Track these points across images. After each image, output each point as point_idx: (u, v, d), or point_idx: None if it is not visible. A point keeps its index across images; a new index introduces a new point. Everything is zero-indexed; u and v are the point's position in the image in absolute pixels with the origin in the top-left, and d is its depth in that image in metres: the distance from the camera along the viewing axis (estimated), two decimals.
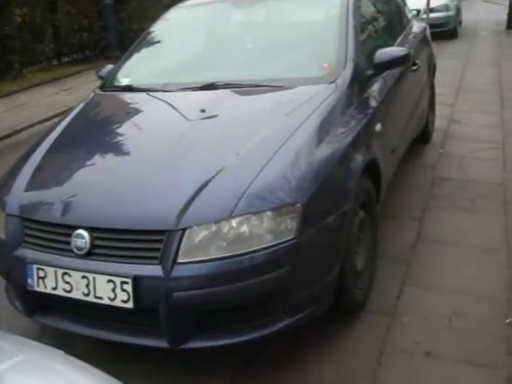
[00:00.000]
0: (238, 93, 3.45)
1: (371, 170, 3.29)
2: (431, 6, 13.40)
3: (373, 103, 3.50)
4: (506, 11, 16.71)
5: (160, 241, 2.53)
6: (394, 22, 5.06)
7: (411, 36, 5.38)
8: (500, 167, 5.54)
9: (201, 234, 2.51)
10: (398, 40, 4.74)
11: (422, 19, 13.03)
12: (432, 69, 6.08)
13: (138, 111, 3.62)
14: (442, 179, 5.28)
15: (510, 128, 6.72)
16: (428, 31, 6.31)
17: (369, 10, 4.50)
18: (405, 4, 6.10)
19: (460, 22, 16.32)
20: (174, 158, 2.90)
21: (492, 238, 4.19)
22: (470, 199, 4.83)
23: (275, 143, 2.82)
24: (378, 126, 3.44)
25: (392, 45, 4.43)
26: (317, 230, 2.67)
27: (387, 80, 3.88)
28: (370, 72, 3.59)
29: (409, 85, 4.63)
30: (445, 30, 13.98)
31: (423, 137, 5.98)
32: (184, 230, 2.51)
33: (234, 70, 3.73)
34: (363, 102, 3.41)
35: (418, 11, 13.62)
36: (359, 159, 3.07)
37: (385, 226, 4.19)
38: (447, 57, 11.56)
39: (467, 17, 18.22)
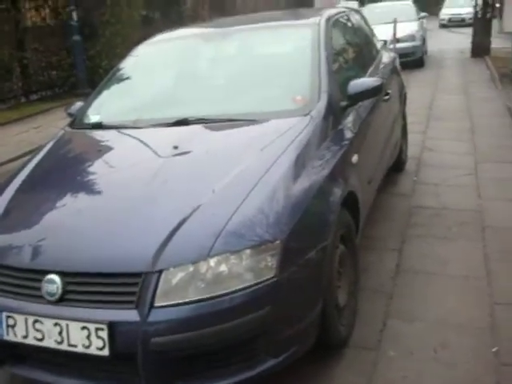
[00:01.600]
0: (211, 128, 3.39)
1: (350, 202, 3.24)
2: (398, 36, 13.61)
3: (348, 135, 3.46)
4: (469, 40, 17.07)
5: (135, 284, 2.43)
6: (364, 53, 5.08)
7: (382, 66, 5.40)
8: (474, 193, 5.54)
9: (178, 275, 2.42)
10: (370, 70, 4.75)
11: (390, 49, 13.29)
12: (403, 98, 6.12)
13: (108, 149, 3.54)
14: (419, 207, 5.25)
15: (481, 154, 6.77)
16: (397, 61, 6.36)
17: (340, 41, 4.50)
18: (373, 34, 6.15)
19: (426, 52, 16.59)
20: (147, 197, 2.81)
21: (472, 266, 4.15)
22: (447, 227, 4.81)
23: (251, 179, 2.75)
24: (355, 158, 3.40)
25: (363, 75, 4.42)
26: (297, 266, 2.59)
27: (361, 111, 3.86)
28: (344, 103, 3.56)
29: (382, 115, 4.63)
30: (412, 60, 14.19)
31: (397, 166, 5.98)
32: (160, 271, 2.41)
33: (207, 105, 3.67)
34: (338, 133, 3.38)
35: (385, 41, 13.83)
36: (337, 192, 3.02)
37: (365, 257, 4.14)
38: (416, 85, 11.71)
39: (432, 46, 18.54)
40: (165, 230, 2.52)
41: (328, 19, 4.21)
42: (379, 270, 4.11)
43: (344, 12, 5.03)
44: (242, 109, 3.48)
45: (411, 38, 14.36)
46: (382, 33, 13.92)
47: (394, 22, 12.96)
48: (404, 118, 6.32)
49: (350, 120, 3.59)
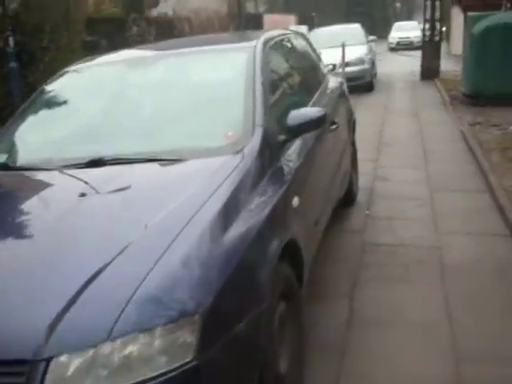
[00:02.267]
0: (130, 170, 2.89)
1: (291, 252, 2.78)
2: (346, 60, 13.39)
3: (288, 173, 3.01)
4: (418, 62, 17.05)
5: (20, 374, 1.91)
6: (309, 78, 4.68)
7: (328, 92, 5.01)
8: (431, 227, 5.17)
9: (73, 362, 1.91)
10: (315, 97, 4.33)
11: (338, 73, 13.03)
12: (352, 125, 5.74)
13: (6, 197, 3.00)
14: (372, 245, 4.84)
15: (436, 183, 6.44)
16: (345, 86, 5.99)
17: (280, 66, 4.09)
18: (320, 59, 5.78)
19: (375, 75, 16.46)
20: (42, 258, 2.28)
21: (431, 311, 3.75)
22: (403, 266, 4.40)
23: (169, 233, 2.27)
24: (296, 200, 2.95)
25: (308, 103, 4.01)
26: (225, 342, 2.10)
27: (303, 144, 3.42)
28: (282, 137, 3.12)
29: (328, 146, 4.21)
30: (361, 83, 13.98)
31: (348, 198, 5.57)
32: (49, 359, 1.90)
33: (127, 141, 3.17)
34: (276, 172, 2.92)
35: (334, 65, 13.61)
36: (275, 243, 2.56)
37: (312, 308, 3.68)
38: (365, 110, 11.46)
39: (382, 69, 18.46)
40: (56, 305, 2.00)
41: (266, 42, 3.78)
42: (329, 323, 3.65)
43: (286, 34, 4.63)
44: (166, 146, 2.99)
45: (360, 61, 14.17)
46: (330, 57, 13.72)
47: (343, 45, 12.73)
48: (354, 146, 5.95)
49: (290, 156, 3.15)
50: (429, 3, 16.31)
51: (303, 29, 35.94)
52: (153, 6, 42.76)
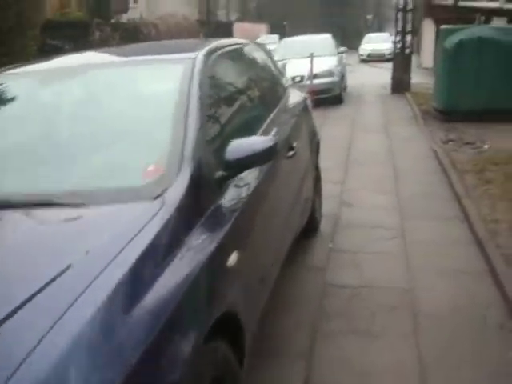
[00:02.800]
0: (18, 216, 2.22)
1: (226, 327, 2.15)
2: (315, 71, 12.85)
3: (226, 221, 2.37)
4: (389, 75, 16.61)
5: None
6: (265, 96, 4.05)
7: (289, 109, 4.42)
8: (403, 263, 4.58)
9: None
10: (270, 118, 3.70)
11: (306, 85, 12.46)
12: (315, 147, 5.14)
13: None
14: (335, 286, 4.23)
15: (408, 209, 5.88)
16: (309, 102, 5.40)
17: (228, 81, 3.46)
18: (281, 72, 5.18)
19: (345, 87, 15.95)
20: None
21: (402, 376, 3.15)
22: (370, 315, 3.80)
23: (55, 308, 1.62)
24: (234, 257, 2.30)
25: (260, 127, 3.38)
26: None
27: (252, 178, 2.79)
28: (221, 174, 2.48)
29: (285, 176, 3.60)
30: (330, 96, 13.45)
31: (310, 227, 4.96)
32: None
33: (18, 179, 2.47)
34: (209, 222, 2.27)
35: (302, 77, 13.08)
36: (202, 320, 1.93)
37: (259, 372, 3.05)
38: (333, 124, 10.93)
39: (352, 81, 17.99)
40: None
41: (210, 53, 3.15)
42: None
43: (239, 45, 4.00)
44: (67, 186, 2.31)
45: (329, 73, 13.62)
46: (298, 68, 13.19)
47: (311, 56, 12.17)
48: (317, 169, 5.35)
49: (230, 198, 2.51)
50: (400, 15, 15.88)
51: (274, 38, 35.59)
52: (123, 11, 42.08)
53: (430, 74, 22.21)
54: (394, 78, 16.00)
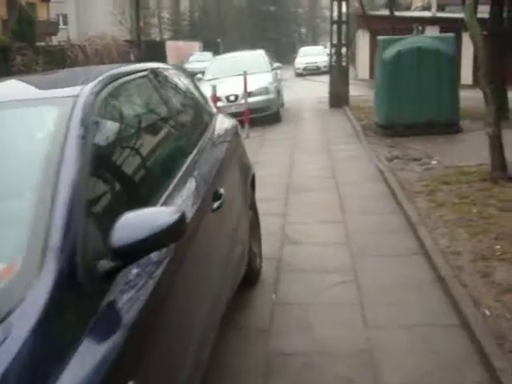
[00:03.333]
0: None
1: None
2: (249, 89, 12.18)
3: (115, 339, 1.60)
4: (326, 88, 16.16)
5: None
6: (182, 132, 3.27)
7: (215, 144, 3.69)
8: (358, 318, 3.90)
9: None
10: (188, 162, 2.96)
11: (241, 105, 11.80)
12: (249, 183, 4.41)
13: None
14: (281, 355, 3.50)
15: (358, 244, 5.22)
16: (239, 129, 4.69)
17: (127, 120, 2.68)
18: (205, 99, 4.46)
19: (282, 104, 15.38)
20: None
21: None
22: None
23: None
24: None
25: (175, 176, 2.64)
26: None
27: (158, 254, 2.03)
28: (107, 265, 1.71)
29: (209, 236, 2.85)
30: (267, 115, 12.82)
31: (248, 278, 4.23)
32: None
33: None
34: (90, 342, 1.50)
35: (236, 96, 12.43)
36: None
37: None
38: (271, 145, 10.30)
39: (289, 97, 17.47)
40: None
41: (102, 86, 2.38)
42: None
43: (145, 71, 3.18)
44: None
45: (265, 90, 12.96)
46: (232, 86, 12.53)
47: (244, 74, 11.51)
48: (254, 209, 4.63)
49: (124, 296, 1.75)
50: (335, 27, 15.46)
51: (207, 55, 34.99)
52: (52, 33, 40.77)
53: (366, 86, 21.99)
54: (331, 92, 15.54)
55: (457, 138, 10.22)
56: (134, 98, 2.87)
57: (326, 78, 26.44)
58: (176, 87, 3.71)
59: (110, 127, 2.37)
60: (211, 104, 4.57)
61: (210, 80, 13.83)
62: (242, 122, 11.61)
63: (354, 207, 6.33)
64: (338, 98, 15.15)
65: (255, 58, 14.75)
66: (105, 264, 1.71)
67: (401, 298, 4.14)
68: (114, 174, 2.23)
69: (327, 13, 73.27)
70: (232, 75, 12.83)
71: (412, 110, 10.27)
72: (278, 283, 4.51)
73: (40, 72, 17.94)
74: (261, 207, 5.02)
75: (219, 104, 12.38)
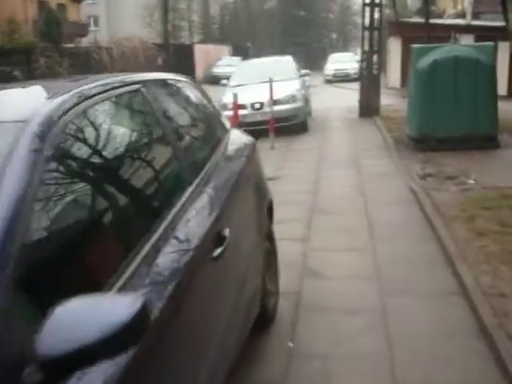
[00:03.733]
0: None
1: None
2: (275, 97, 11.63)
3: None
4: (356, 96, 15.54)
5: None
6: (181, 158, 2.70)
7: (221, 172, 3.12)
8: (387, 376, 3.31)
9: None
10: (183, 199, 2.42)
11: (267, 113, 11.25)
12: (266, 211, 3.85)
13: None
14: None
15: (389, 279, 4.63)
16: (255, 150, 4.13)
17: (105, 150, 2.12)
18: (217, 114, 3.91)
19: (310, 113, 14.80)
20: None
21: None
22: None
23: None
24: None
25: (164, 217, 2.11)
26: None
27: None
28: (34, 379, 1.17)
29: (207, 292, 2.30)
30: (293, 124, 12.26)
31: (262, 321, 3.67)
32: None
33: None
34: None
35: (261, 104, 11.89)
36: None
37: None
38: (296, 159, 9.73)
39: (317, 105, 16.90)
40: None
41: (70, 107, 1.84)
42: None
43: (137, 83, 2.59)
44: None
45: (292, 99, 12.39)
46: (257, 94, 12.01)
47: (270, 81, 10.95)
48: (271, 239, 4.06)
49: None
50: (367, 34, 14.85)
51: (236, 60, 34.52)
52: (82, 35, 40.74)
53: (397, 95, 21.31)
54: (361, 101, 14.91)
55: (495, 153, 9.55)
56: (115, 118, 2.30)
57: (356, 86, 25.87)
58: (178, 101, 3.17)
59: (79, 160, 1.82)
60: (226, 117, 4.01)
61: (235, 86, 13.32)
62: (267, 132, 11.08)
63: (384, 233, 5.73)
64: (369, 108, 14.53)
65: (283, 64, 14.20)
66: (31, 376, 1.17)
67: (437, 351, 3.54)
68: (80, 226, 1.69)
69: (358, 19, 72.53)
70: (258, 82, 12.34)
71: (447, 122, 9.63)
72: (296, 325, 3.94)
73: (61, 75, 17.62)
74: (280, 230, 4.48)
75: (243, 112, 11.87)
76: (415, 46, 10.21)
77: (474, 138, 9.60)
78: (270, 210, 4.03)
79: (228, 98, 12.66)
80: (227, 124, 3.91)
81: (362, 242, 5.49)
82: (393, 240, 5.52)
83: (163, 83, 3.02)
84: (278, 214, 4.37)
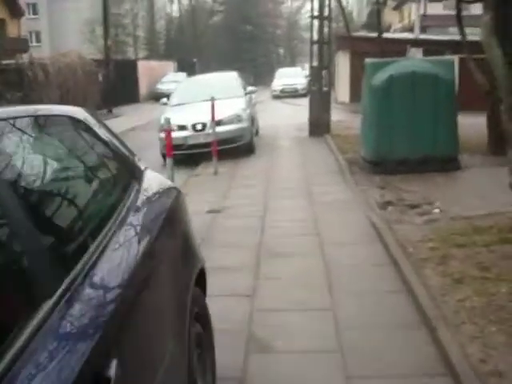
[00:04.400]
0: None
1: None
2: (219, 117, 10.70)
3: None
4: (305, 112, 14.73)
5: None
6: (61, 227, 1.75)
7: (122, 245, 2.13)
8: None
9: None
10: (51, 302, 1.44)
11: (209, 135, 10.32)
12: (195, 280, 2.83)
13: None
14: None
15: (355, 350, 3.69)
16: (182, 200, 3.14)
17: None
18: (127, 149, 2.91)
19: (257, 132, 13.91)
20: None
21: None
22: None
23: None
24: None
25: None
26: None
27: None
28: None
29: None
30: (238, 146, 11.34)
31: None
32: None
33: None
34: None
35: (204, 125, 10.94)
36: None
37: None
38: (242, 185, 8.80)
39: (264, 122, 16.02)
40: None
41: None
42: None
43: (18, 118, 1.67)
44: None
45: (236, 118, 11.45)
46: (199, 113, 11.03)
47: (212, 100, 9.96)
48: (204, 320, 3.04)
49: None
50: (315, 48, 14.07)
51: (182, 75, 33.55)
52: (22, 50, 39.06)
53: (347, 110, 20.74)
54: (311, 119, 14.08)
55: (457, 176, 8.84)
56: None
57: (304, 102, 25.24)
58: (54, 146, 2.15)
59: None
60: (137, 159, 2.98)
61: (175, 105, 12.33)
62: (210, 155, 10.11)
63: (344, 284, 4.80)
64: (319, 126, 13.73)
65: (227, 81, 13.27)
66: None
67: None
68: None
69: (305, 34, 72.82)
70: (201, 100, 11.34)
71: (405, 143, 8.89)
72: None
73: None
74: (221, 281, 3.53)
75: (184, 134, 10.93)
76: (369, 60, 9.43)
77: (434, 159, 8.87)
78: (202, 280, 3.03)
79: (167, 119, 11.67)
80: (140, 168, 2.90)
81: (320, 298, 4.53)
82: (356, 294, 4.59)
83: (36, 122, 2.00)
84: (218, 260, 3.41)
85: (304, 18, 73.75)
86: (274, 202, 7.78)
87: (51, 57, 23.44)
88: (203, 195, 8.40)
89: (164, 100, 12.97)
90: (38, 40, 56.49)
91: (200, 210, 7.26)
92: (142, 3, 60.78)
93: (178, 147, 11.24)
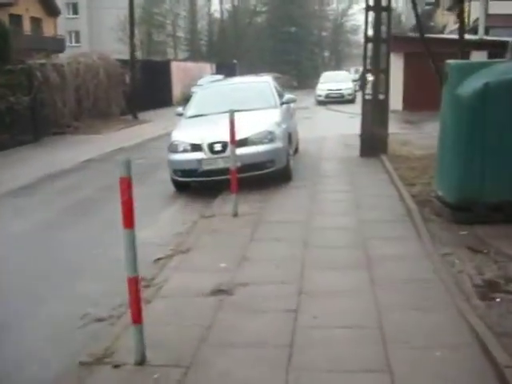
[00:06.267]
0: None
1: None
2: (243, 135, 8.06)
3: None
4: (353, 122, 12.03)
5: None
6: None
7: None
8: None
9: None
10: None
11: (230, 158, 7.59)
12: None
13: None
14: None
15: None
16: None
17: None
18: None
19: (296, 149, 11.17)
20: None
21: None
22: None
23: None
24: None
25: None
26: None
27: None
28: None
29: None
30: (269, 172, 8.62)
31: None
32: None
33: None
34: None
35: (225, 145, 8.16)
36: None
37: None
38: (267, 238, 6.13)
39: (307, 133, 13.37)
40: None
41: None
42: None
43: None
44: None
45: (267, 136, 8.65)
46: (219, 129, 8.15)
47: (231, 114, 7.13)
48: None
49: None
50: (369, 47, 11.31)
51: (219, 78, 31.12)
52: (59, 50, 37.38)
53: (400, 120, 17.92)
54: (363, 136, 11.27)
55: None
56: None
57: (351, 108, 22.51)
58: None
59: None
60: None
61: (191, 117, 9.72)
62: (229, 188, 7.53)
63: None
64: (373, 144, 10.95)
65: (258, 87, 10.54)
66: None
67: None
68: None
69: (351, 37, 70.00)
70: (223, 111, 8.27)
71: (505, 180, 6.15)
72: None
73: None
74: None
75: (198, 156, 8.36)
76: (453, 62, 6.64)
77: None
78: None
79: (179, 135, 9.06)
80: None
81: None
82: None
83: None
84: None
85: (350, 20, 71.00)
86: (313, 275, 5.05)
87: (68, 57, 21.21)
88: (211, 255, 5.80)
89: (179, 110, 10.36)
90: (78, 40, 55.10)
91: (199, 289, 4.73)
92: (183, 2, 58.93)
93: (190, 173, 8.60)
